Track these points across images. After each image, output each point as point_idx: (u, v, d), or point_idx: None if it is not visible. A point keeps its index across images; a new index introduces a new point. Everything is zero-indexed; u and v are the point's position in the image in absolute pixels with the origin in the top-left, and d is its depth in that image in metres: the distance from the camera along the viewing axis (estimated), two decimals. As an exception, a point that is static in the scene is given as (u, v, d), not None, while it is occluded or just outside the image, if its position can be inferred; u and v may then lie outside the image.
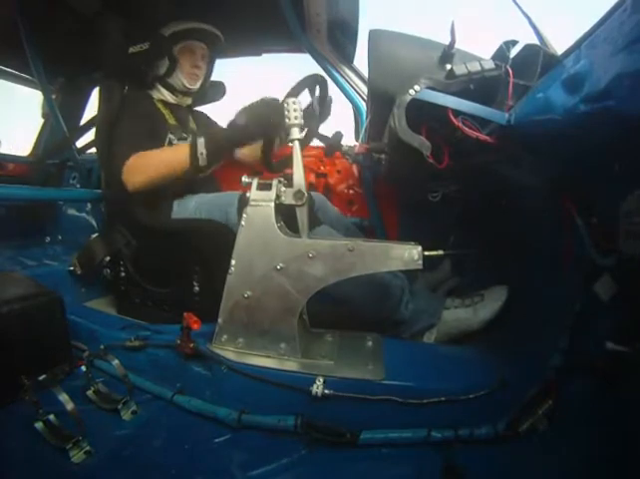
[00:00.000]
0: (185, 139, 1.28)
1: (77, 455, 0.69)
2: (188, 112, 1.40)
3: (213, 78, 1.48)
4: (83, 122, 1.81)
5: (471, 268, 1.27)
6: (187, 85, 1.31)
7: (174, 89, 1.31)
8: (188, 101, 1.39)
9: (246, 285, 0.88)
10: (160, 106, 1.29)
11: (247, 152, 1.39)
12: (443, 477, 0.66)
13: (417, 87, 0.70)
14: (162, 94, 1.31)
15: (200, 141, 0.99)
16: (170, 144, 1.23)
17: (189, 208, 1.12)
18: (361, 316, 1.04)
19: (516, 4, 0.82)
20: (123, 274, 1.22)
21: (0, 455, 0.71)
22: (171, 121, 1.29)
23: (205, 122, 1.48)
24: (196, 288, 1.11)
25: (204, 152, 0.98)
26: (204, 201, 1.13)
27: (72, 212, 1.90)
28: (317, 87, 1.09)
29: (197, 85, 1.35)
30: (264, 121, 0.93)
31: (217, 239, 1.01)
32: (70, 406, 0.69)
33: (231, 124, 0.98)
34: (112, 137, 1.17)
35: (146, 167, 1.06)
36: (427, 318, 1.02)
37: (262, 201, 0.89)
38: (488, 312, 0.99)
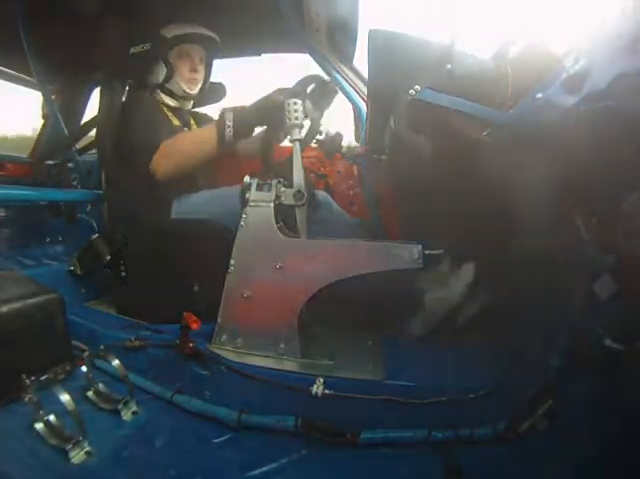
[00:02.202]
0: None
1: (77, 456, 0.69)
2: (190, 114, 1.41)
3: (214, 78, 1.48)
4: (83, 122, 1.81)
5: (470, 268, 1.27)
6: (188, 90, 1.31)
7: (175, 94, 1.31)
8: (189, 105, 1.39)
9: (246, 285, 0.88)
10: (163, 108, 1.29)
11: (246, 144, 1.40)
12: (443, 477, 0.66)
13: (417, 87, 0.70)
14: (163, 99, 1.31)
15: (229, 114, 1.00)
16: None
17: (190, 206, 1.13)
18: (361, 316, 1.04)
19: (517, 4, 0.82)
20: (123, 274, 1.21)
21: (0, 455, 0.70)
22: (176, 122, 1.29)
23: (207, 120, 1.48)
24: (196, 288, 1.11)
25: (232, 125, 0.99)
26: (205, 198, 1.13)
27: (72, 212, 1.90)
28: (313, 85, 1.09)
29: (197, 89, 1.35)
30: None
31: (217, 239, 1.01)
32: (70, 407, 0.69)
33: (259, 102, 0.99)
34: (129, 132, 1.17)
35: (174, 150, 1.07)
36: (411, 308, 1.02)
37: (262, 201, 0.89)
38: (462, 285, 0.97)
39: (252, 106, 1.01)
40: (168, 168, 1.07)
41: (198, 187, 1.19)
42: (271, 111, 0.98)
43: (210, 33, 1.31)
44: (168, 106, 1.32)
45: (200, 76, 1.35)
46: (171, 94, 1.31)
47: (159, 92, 1.30)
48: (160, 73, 1.27)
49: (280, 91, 0.97)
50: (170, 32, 1.26)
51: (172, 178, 1.09)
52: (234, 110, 1.00)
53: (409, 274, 1.07)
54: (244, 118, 1.00)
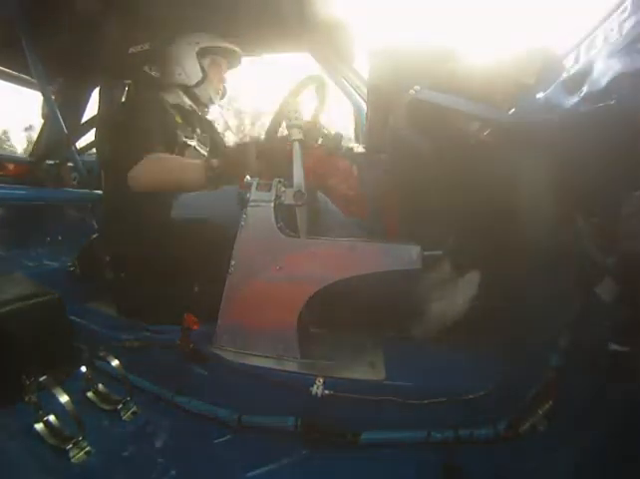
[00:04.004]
0: (194, 138, 1.30)
1: (77, 456, 0.69)
2: (196, 117, 1.41)
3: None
4: (83, 122, 1.81)
5: (470, 268, 1.27)
6: (214, 99, 1.35)
7: (199, 99, 1.33)
8: (207, 113, 1.41)
9: (246, 286, 0.88)
10: (168, 107, 1.29)
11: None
12: (443, 477, 0.66)
13: (417, 87, 0.70)
14: (182, 100, 1.32)
15: (215, 161, 1.05)
16: (183, 142, 1.25)
17: (188, 206, 1.13)
18: (361, 316, 1.04)
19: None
20: (123, 275, 1.21)
21: (0, 455, 0.70)
22: (178, 119, 1.30)
23: (209, 128, 1.49)
24: (196, 288, 1.11)
25: (217, 169, 1.04)
26: (203, 198, 1.13)
27: (72, 212, 1.90)
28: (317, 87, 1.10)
29: (219, 99, 1.40)
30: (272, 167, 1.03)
31: (217, 239, 1.01)
32: (70, 407, 0.69)
33: (246, 155, 1.05)
34: (121, 135, 1.18)
35: (159, 169, 1.10)
36: (418, 314, 1.02)
37: (262, 201, 0.89)
38: (468, 291, 0.98)
39: (234, 156, 1.07)
40: (147, 183, 1.09)
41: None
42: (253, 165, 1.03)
43: (239, 50, 1.39)
44: (179, 107, 1.32)
45: (223, 87, 1.40)
46: (195, 98, 1.32)
47: (179, 93, 1.31)
48: (195, 76, 1.29)
49: (260, 150, 1.04)
50: (204, 43, 1.30)
51: (144, 189, 1.10)
52: (220, 160, 1.06)
53: (409, 275, 1.07)
54: (228, 169, 1.05)
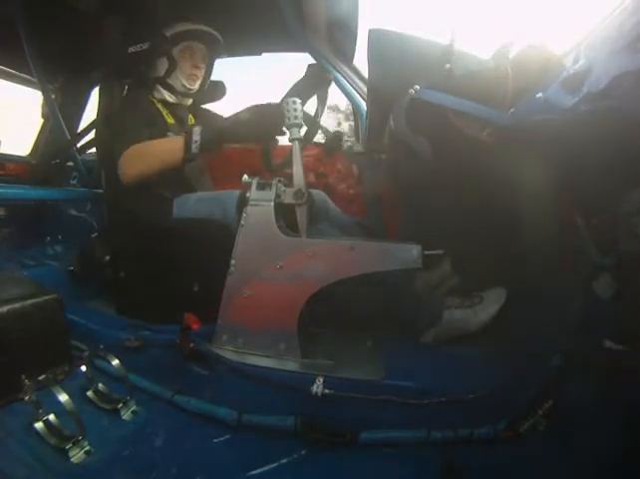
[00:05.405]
0: None
1: (77, 455, 0.69)
2: (188, 111, 1.41)
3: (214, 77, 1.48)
4: (83, 122, 1.82)
5: (470, 268, 1.27)
6: (187, 85, 1.32)
7: (174, 89, 1.31)
8: (189, 101, 1.40)
9: (246, 285, 0.88)
10: (159, 106, 1.29)
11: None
12: (443, 477, 0.66)
13: (416, 86, 0.70)
14: (162, 94, 1.31)
15: (196, 129, 1.01)
16: None
17: (188, 206, 1.13)
18: (361, 316, 1.04)
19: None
20: (123, 274, 1.21)
21: (0, 455, 0.70)
22: (170, 120, 1.29)
23: (207, 116, 1.48)
24: (196, 288, 1.11)
25: (199, 140, 1.00)
26: (203, 199, 1.13)
27: (72, 212, 1.90)
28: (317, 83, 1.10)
29: (197, 85, 1.36)
30: (265, 127, 0.99)
31: (217, 239, 1.01)
32: (70, 406, 0.69)
33: (232, 119, 1.02)
34: (111, 135, 1.18)
35: (141, 155, 1.08)
36: (426, 318, 1.02)
37: (262, 200, 0.89)
38: (487, 314, 0.98)
39: (221, 124, 1.06)
40: (133, 171, 1.08)
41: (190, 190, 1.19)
42: (240, 128, 1.02)
43: (212, 31, 1.33)
44: (166, 103, 1.32)
45: (200, 73, 1.36)
46: (171, 89, 1.31)
47: (159, 88, 1.30)
48: (162, 67, 1.28)
49: (249, 109, 1.01)
50: (174, 29, 1.27)
51: (136, 182, 1.09)
52: (202, 126, 1.02)
53: (409, 274, 1.07)
54: (211, 136, 1.02)
